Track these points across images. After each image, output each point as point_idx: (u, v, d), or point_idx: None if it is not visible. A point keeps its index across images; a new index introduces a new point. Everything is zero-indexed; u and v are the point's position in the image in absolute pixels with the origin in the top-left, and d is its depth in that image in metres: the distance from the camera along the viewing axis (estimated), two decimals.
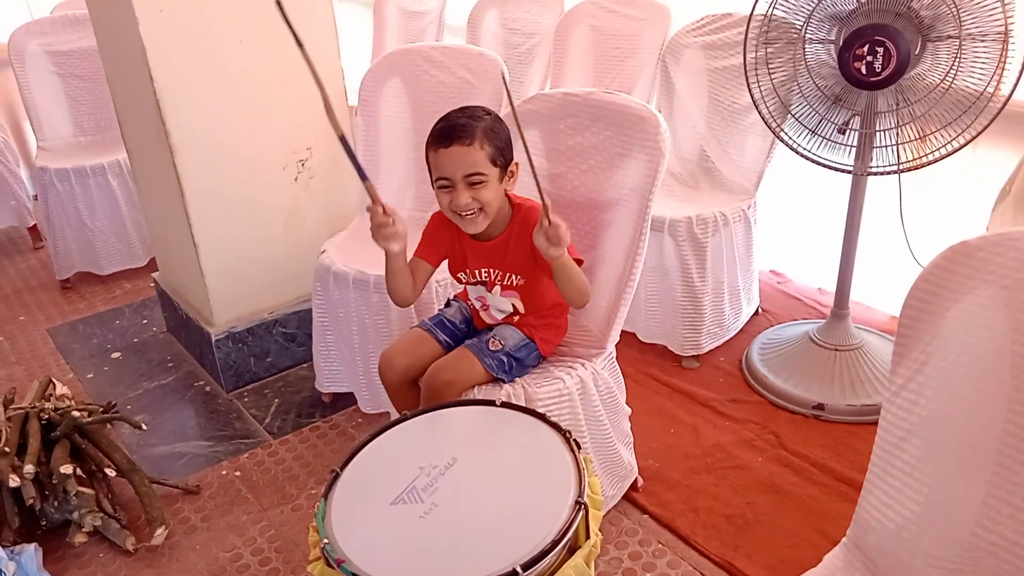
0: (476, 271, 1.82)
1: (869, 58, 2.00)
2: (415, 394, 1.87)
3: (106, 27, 2.56)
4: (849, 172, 2.21)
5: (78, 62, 3.63)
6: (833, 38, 2.11)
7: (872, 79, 2.02)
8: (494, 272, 1.81)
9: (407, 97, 2.60)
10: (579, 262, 1.73)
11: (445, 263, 1.89)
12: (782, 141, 2.27)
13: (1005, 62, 1.88)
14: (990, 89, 1.91)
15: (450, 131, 1.62)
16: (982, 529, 1.13)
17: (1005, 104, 1.91)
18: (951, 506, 1.16)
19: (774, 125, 2.26)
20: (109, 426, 2.37)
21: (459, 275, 1.87)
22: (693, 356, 2.64)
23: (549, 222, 1.51)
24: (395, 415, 1.82)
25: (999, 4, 1.84)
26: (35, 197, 3.81)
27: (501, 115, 1.73)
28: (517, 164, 1.73)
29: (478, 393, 1.77)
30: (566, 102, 1.98)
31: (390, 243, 1.63)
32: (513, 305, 1.84)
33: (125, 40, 2.34)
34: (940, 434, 1.17)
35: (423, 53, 2.58)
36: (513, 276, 1.79)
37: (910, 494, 1.21)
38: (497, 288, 1.82)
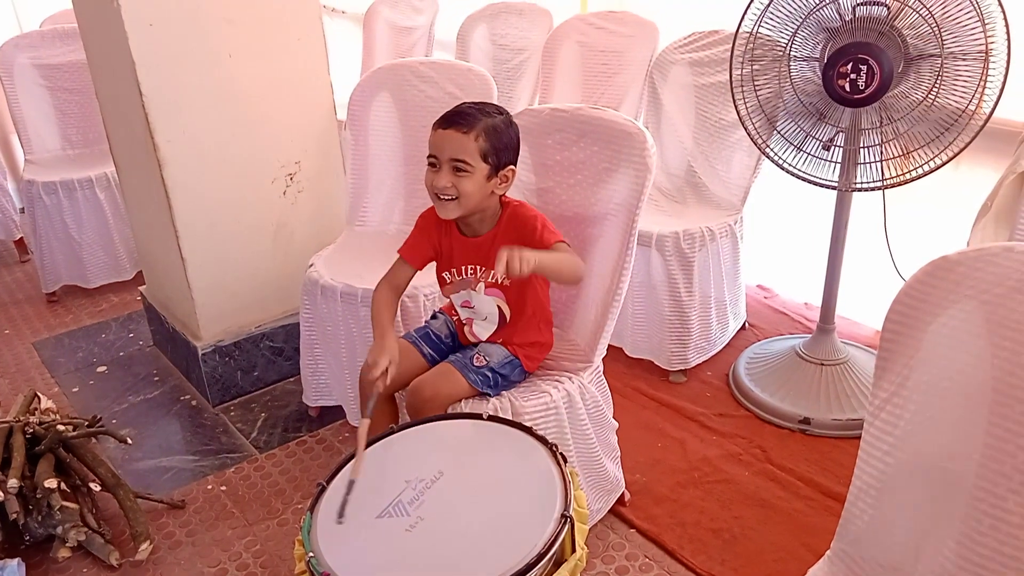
0: (462, 267, 1.83)
1: (853, 76, 2.02)
2: (390, 409, 1.87)
3: (96, 41, 2.56)
4: (834, 188, 2.23)
5: (67, 75, 3.63)
6: (817, 56, 2.13)
7: (856, 96, 2.04)
8: (480, 269, 1.81)
9: (396, 112, 2.61)
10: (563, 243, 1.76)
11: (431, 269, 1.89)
12: (768, 157, 2.29)
13: (986, 80, 1.90)
14: (971, 107, 1.94)
15: (454, 115, 1.68)
16: (966, 540, 1.13)
17: (986, 122, 1.93)
18: (934, 518, 1.17)
19: (760, 141, 2.29)
20: (94, 440, 2.35)
21: (443, 275, 1.87)
22: (680, 370, 2.65)
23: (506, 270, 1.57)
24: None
25: (979, 24, 1.87)
26: (22, 210, 3.80)
27: None
28: (513, 171, 1.75)
29: (465, 407, 1.77)
30: (554, 117, 1.99)
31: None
32: (499, 307, 1.84)
33: (115, 54, 2.34)
34: (923, 447, 1.18)
35: (412, 68, 2.59)
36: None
37: (894, 507, 1.22)
38: (481, 285, 1.83)
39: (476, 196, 1.70)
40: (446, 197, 1.69)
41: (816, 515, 2.04)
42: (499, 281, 1.80)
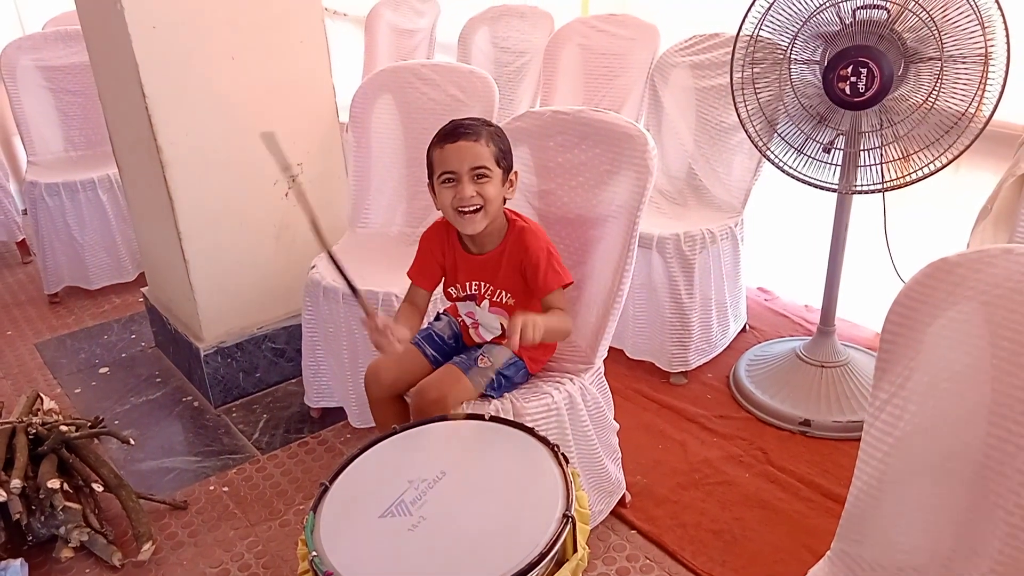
0: (466, 284, 1.83)
1: (853, 79, 2.03)
2: (399, 409, 1.87)
3: (99, 43, 2.57)
4: (834, 191, 2.24)
5: (70, 77, 3.64)
6: (818, 59, 2.14)
7: (856, 99, 2.05)
8: (484, 286, 1.82)
9: (398, 114, 2.62)
10: (568, 284, 1.76)
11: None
12: (768, 160, 2.30)
13: (985, 83, 1.91)
14: (971, 110, 1.94)
15: (457, 128, 1.68)
16: (965, 541, 1.14)
17: (986, 125, 1.94)
18: (934, 519, 1.18)
19: (760, 144, 2.29)
20: (96, 441, 2.36)
21: (449, 290, 1.88)
22: (681, 372, 2.65)
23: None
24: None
25: (979, 27, 1.88)
26: (25, 212, 3.81)
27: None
28: (516, 174, 1.77)
29: (467, 408, 1.77)
30: (556, 120, 2.00)
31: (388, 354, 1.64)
32: (501, 324, 1.85)
33: (118, 56, 2.35)
34: (923, 448, 1.19)
35: (414, 71, 2.60)
36: (503, 293, 1.80)
37: (894, 508, 1.22)
38: (486, 303, 1.83)
39: (498, 201, 1.71)
40: (472, 208, 1.67)
41: (817, 516, 2.05)
42: (504, 302, 1.81)
